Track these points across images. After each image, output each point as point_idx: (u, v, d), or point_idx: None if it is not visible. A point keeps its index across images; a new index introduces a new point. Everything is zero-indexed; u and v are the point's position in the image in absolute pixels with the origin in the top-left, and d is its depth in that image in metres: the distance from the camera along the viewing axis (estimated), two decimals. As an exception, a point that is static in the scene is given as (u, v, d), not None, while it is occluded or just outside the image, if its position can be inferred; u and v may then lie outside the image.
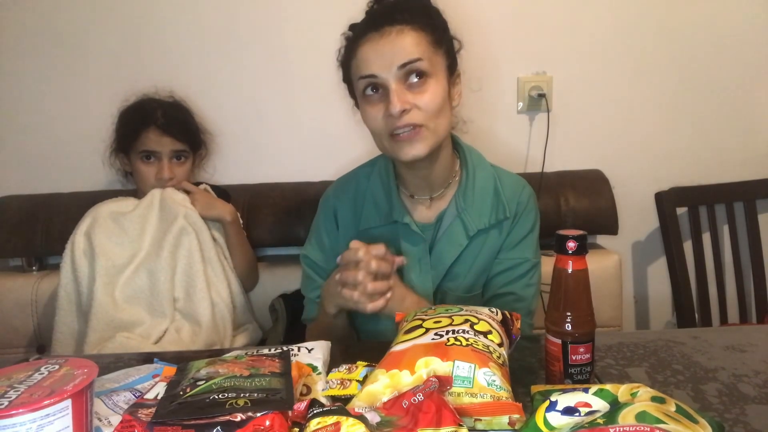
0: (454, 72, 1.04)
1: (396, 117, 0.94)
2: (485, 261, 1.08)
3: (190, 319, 1.32)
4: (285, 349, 0.80)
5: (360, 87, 0.98)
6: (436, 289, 1.09)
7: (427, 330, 0.75)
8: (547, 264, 1.16)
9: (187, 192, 1.42)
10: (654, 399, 0.59)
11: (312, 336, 1.16)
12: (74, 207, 1.52)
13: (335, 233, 1.14)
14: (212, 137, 1.63)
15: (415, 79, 0.95)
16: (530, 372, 0.81)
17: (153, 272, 1.32)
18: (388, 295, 0.95)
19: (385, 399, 0.66)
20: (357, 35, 0.98)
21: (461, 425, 0.59)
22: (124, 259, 1.32)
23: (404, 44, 0.94)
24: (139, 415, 0.63)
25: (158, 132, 1.40)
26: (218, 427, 0.58)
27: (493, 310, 0.82)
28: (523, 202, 1.09)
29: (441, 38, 1.00)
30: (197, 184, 1.48)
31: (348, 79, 1.04)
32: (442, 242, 1.07)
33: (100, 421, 0.65)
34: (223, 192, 1.53)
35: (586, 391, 0.63)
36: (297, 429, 0.62)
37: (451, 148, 1.10)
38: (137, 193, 1.46)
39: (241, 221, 1.53)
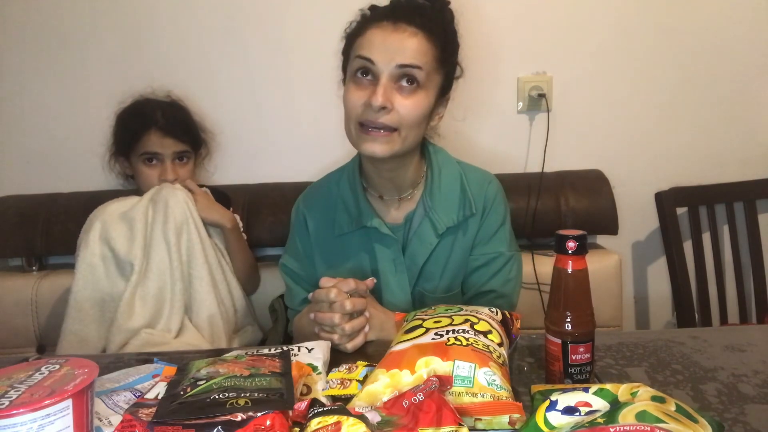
0: (445, 95, 1.05)
1: (374, 110, 0.93)
2: (458, 260, 1.09)
3: (194, 320, 1.32)
4: (285, 348, 0.80)
5: (354, 65, 0.97)
6: (413, 291, 1.09)
7: (427, 330, 0.76)
8: (547, 264, 1.17)
9: (191, 191, 1.42)
10: (654, 398, 0.59)
11: (297, 331, 1.15)
12: (74, 207, 1.52)
13: (308, 240, 1.15)
14: (212, 136, 1.63)
15: (406, 84, 0.95)
16: (530, 372, 0.81)
17: (163, 267, 1.31)
18: (366, 329, 0.94)
19: (385, 398, 0.67)
20: (373, 17, 0.99)
21: (461, 425, 0.59)
22: (140, 255, 1.31)
23: (412, 47, 0.94)
24: (140, 414, 0.63)
25: (160, 133, 1.39)
26: (219, 427, 0.58)
27: (493, 310, 0.83)
28: (490, 197, 1.10)
29: (446, 59, 1.01)
30: (199, 186, 1.47)
31: (347, 52, 1.03)
32: (413, 243, 1.08)
33: (101, 420, 0.65)
34: (222, 195, 1.52)
35: (586, 390, 0.63)
36: (297, 429, 0.63)
37: (419, 152, 1.10)
38: (138, 194, 1.45)
39: (241, 224, 1.52)
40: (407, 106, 0.95)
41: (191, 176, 1.47)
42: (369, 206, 1.09)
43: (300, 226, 1.17)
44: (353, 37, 1.01)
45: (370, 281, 0.97)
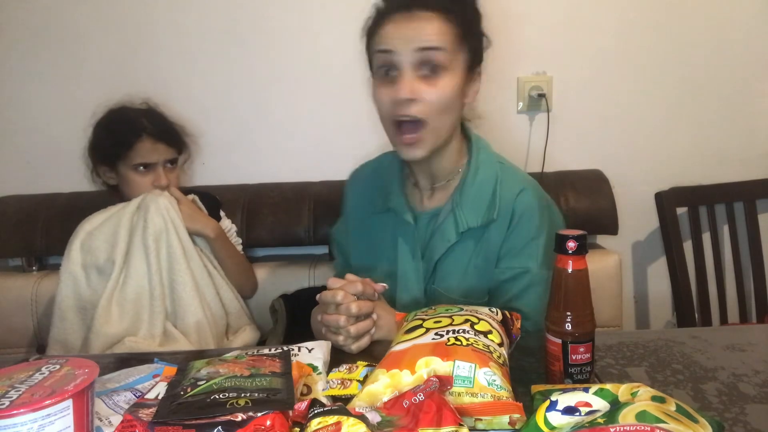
0: (475, 69, 1.02)
1: (401, 103, 0.93)
2: (481, 266, 1.05)
3: (180, 325, 1.32)
4: (285, 349, 0.80)
5: (376, 62, 0.98)
6: (427, 286, 1.07)
7: (428, 330, 0.76)
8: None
9: (176, 199, 1.40)
10: (654, 398, 0.59)
11: (312, 325, 1.13)
12: (74, 207, 1.51)
13: (346, 213, 1.22)
14: (194, 139, 1.61)
15: (429, 72, 0.94)
16: (530, 372, 0.81)
17: (141, 272, 1.31)
18: (372, 331, 0.93)
19: (385, 399, 0.66)
20: (387, 9, 0.98)
21: (462, 425, 0.59)
22: (120, 261, 1.31)
23: (429, 30, 0.93)
24: (140, 415, 0.63)
25: (151, 140, 1.37)
26: (219, 427, 0.58)
27: (493, 309, 0.83)
28: (520, 207, 1.04)
29: (468, 33, 0.98)
30: (186, 193, 1.45)
31: (368, 50, 1.03)
32: (435, 236, 1.06)
33: (101, 421, 0.65)
34: (211, 198, 1.51)
35: (586, 390, 0.63)
36: (298, 429, 0.62)
37: (460, 141, 1.08)
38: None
39: (234, 227, 1.51)
40: (433, 93, 0.94)
41: (177, 182, 1.46)
42: (401, 190, 1.09)
43: (345, 198, 1.23)
44: (371, 34, 1.00)
45: (380, 287, 0.96)
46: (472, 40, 0.99)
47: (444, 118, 0.97)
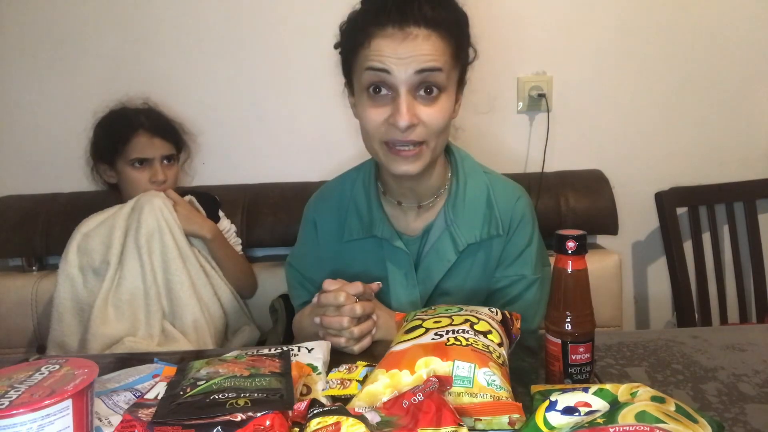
0: (463, 84, 0.98)
1: (400, 130, 0.87)
2: (478, 278, 1.04)
3: (178, 325, 1.32)
4: (285, 349, 0.80)
5: (365, 79, 0.89)
6: (425, 306, 1.04)
7: (427, 330, 0.75)
8: (547, 264, 1.16)
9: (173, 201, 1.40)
10: (654, 399, 0.59)
11: (296, 331, 1.13)
12: (74, 207, 1.52)
13: (315, 243, 1.11)
14: (193, 138, 1.62)
15: (426, 93, 0.89)
16: (530, 372, 0.81)
17: (136, 272, 1.31)
18: (374, 331, 0.93)
19: (385, 399, 0.66)
20: (372, 20, 0.88)
21: (461, 425, 0.59)
22: (115, 262, 1.31)
23: (428, 50, 0.86)
24: (140, 415, 0.63)
25: (148, 134, 1.39)
26: (218, 427, 0.58)
27: (493, 310, 0.83)
28: (517, 216, 1.03)
29: (462, 49, 0.94)
30: (183, 194, 1.45)
31: (348, 61, 0.95)
32: (429, 257, 1.02)
33: (101, 421, 0.65)
34: (210, 199, 1.51)
35: (585, 390, 0.63)
36: (297, 429, 0.62)
37: (444, 156, 1.04)
38: (122, 202, 1.43)
39: (234, 228, 1.51)
40: (432, 115, 0.89)
41: (176, 180, 1.47)
42: (382, 214, 1.03)
43: (309, 227, 1.12)
44: (355, 46, 0.91)
45: (376, 285, 0.96)
46: (464, 57, 0.95)
47: (442, 138, 0.94)
